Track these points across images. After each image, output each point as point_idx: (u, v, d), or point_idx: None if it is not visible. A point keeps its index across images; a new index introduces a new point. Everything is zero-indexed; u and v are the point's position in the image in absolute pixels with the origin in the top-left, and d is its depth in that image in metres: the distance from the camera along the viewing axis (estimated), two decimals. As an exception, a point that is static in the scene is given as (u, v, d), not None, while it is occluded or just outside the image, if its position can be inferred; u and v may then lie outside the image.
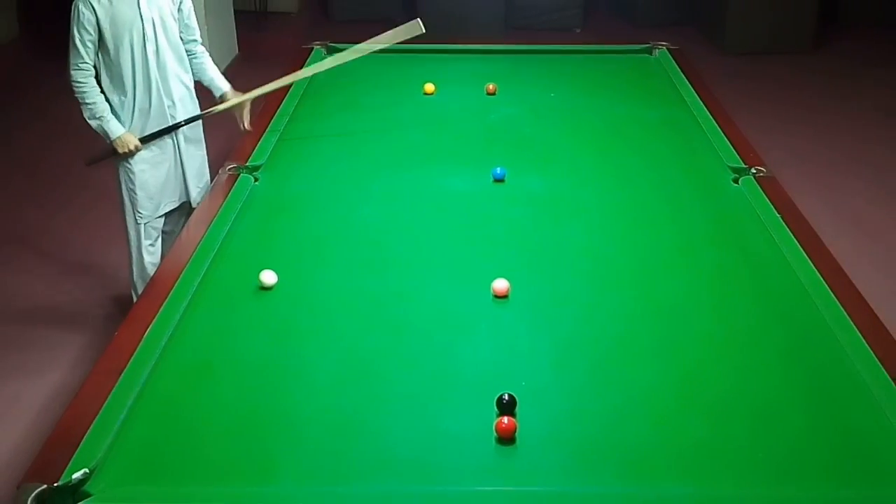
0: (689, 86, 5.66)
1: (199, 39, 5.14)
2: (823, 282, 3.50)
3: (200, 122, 5.13)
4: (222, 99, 5.15)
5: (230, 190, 4.25)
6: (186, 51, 5.02)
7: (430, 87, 5.67)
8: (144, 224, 4.96)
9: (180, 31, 4.93)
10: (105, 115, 4.68)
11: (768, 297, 3.53)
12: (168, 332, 3.23)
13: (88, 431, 2.70)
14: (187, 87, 5.02)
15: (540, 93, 5.77)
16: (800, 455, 2.72)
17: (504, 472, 2.67)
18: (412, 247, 3.96)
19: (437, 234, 4.08)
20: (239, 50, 10.01)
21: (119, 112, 4.76)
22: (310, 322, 3.37)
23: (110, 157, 4.80)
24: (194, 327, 3.32)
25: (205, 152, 5.25)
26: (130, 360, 3.03)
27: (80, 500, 2.46)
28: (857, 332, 3.19)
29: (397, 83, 5.87)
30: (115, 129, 4.71)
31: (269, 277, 3.31)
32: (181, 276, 3.55)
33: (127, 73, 4.70)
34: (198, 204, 4.79)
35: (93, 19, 4.51)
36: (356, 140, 5.04)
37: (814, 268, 3.60)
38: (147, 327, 3.22)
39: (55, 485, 2.48)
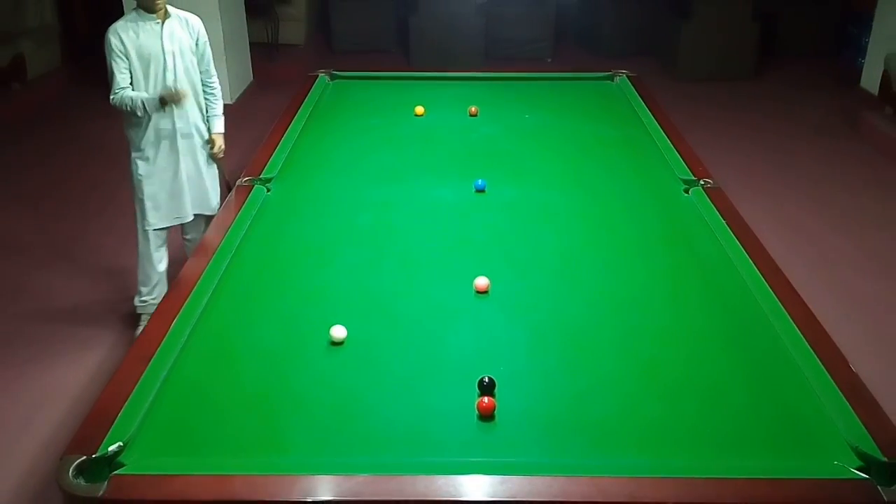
0: (646, 108, 5.68)
1: (213, 73, 4.99)
2: (763, 279, 3.52)
3: (207, 143, 4.98)
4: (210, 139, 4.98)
5: (245, 199, 4.25)
6: (202, 83, 4.93)
7: (420, 110, 5.66)
8: (151, 230, 4.88)
9: (199, 66, 4.87)
10: (143, 96, 4.57)
11: (715, 293, 3.53)
12: (192, 323, 3.23)
13: (122, 410, 2.71)
14: (200, 112, 4.90)
15: (516, 114, 5.77)
16: (742, 430, 2.74)
17: (484, 445, 2.68)
18: (404, 248, 3.96)
19: (426, 237, 4.08)
20: (253, 77, 9.99)
21: (136, 129, 4.71)
22: (315, 314, 3.36)
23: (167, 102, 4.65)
24: (215, 319, 3.32)
25: (216, 171, 5.10)
26: (159, 348, 3.04)
27: (115, 470, 2.47)
28: (792, 322, 3.21)
29: (392, 106, 5.85)
30: (153, 98, 4.58)
31: (339, 332, 3.23)
32: (203, 274, 3.54)
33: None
34: (215, 212, 4.75)
35: (122, 48, 4.51)
36: (355, 155, 5.03)
37: (754, 267, 3.61)
38: (173, 319, 3.22)
39: (93, 456, 2.50)
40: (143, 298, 5.05)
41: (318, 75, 6.31)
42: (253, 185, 4.39)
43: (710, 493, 2.42)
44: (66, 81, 9.92)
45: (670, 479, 2.45)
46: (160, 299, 3.69)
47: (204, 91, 4.94)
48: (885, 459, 2.50)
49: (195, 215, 4.99)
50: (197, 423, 2.77)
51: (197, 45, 4.81)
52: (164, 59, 4.62)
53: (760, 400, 2.87)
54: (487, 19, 10.89)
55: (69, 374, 4.78)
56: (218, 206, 4.94)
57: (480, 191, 4.50)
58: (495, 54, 11.00)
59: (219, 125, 4.99)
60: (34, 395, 4.65)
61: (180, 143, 4.77)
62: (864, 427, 2.64)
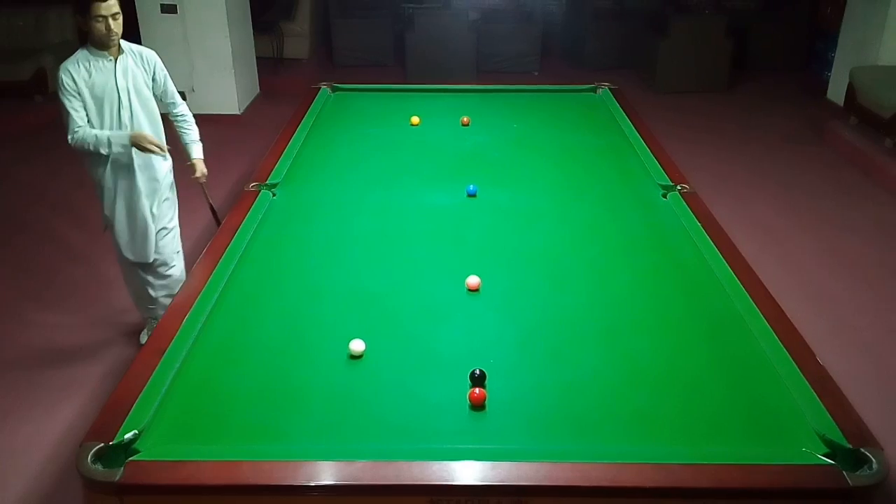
0: (627, 118, 5.68)
1: (179, 102, 4.66)
2: (736, 278, 3.52)
3: (173, 194, 4.76)
4: (190, 164, 4.71)
5: (253, 203, 4.24)
6: (170, 115, 4.65)
7: (415, 120, 5.66)
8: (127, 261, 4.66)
9: (160, 98, 4.54)
10: (108, 135, 4.21)
11: (692, 291, 3.53)
12: (202, 320, 3.22)
13: (137, 400, 2.71)
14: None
15: (505, 124, 5.76)
16: (717, 419, 2.74)
17: (476, 433, 2.68)
18: (400, 249, 3.95)
19: (421, 238, 4.07)
20: (260, 89, 9.98)
21: (97, 163, 4.36)
22: (317, 312, 3.35)
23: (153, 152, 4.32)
24: (223, 316, 3.31)
25: (177, 228, 4.84)
26: (171, 343, 3.03)
27: (131, 456, 2.47)
28: (764, 319, 3.21)
29: (389, 116, 5.85)
30: (122, 136, 4.23)
31: (357, 346, 3.21)
32: (213, 273, 3.54)
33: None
34: (172, 270, 4.78)
35: (75, 86, 4.15)
36: (355, 162, 5.02)
37: (728, 267, 3.61)
38: (185, 315, 3.21)
39: (110, 443, 2.50)
40: (148, 308, 4.91)
41: (320, 87, 6.31)
42: (259, 190, 4.38)
43: (687, 477, 2.42)
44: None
45: (650, 465, 2.45)
46: (166, 303, 3.66)
47: (175, 122, 4.69)
48: (850, 446, 2.51)
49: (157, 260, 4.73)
50: (207, 413, 2.76)
51: (154, 79, 4.46)
52: (119, 97, 4.27)
53: (734, 391, 2.87)
54: (479, 35, 10.91)
55: (86, 369, 4.77)
56: (179, 266, 4.86)
57: (472, 195, 4.49)
58: (486, 68, 11.01)
59: (197, 151, 4.72)
60: (55, 387, 4.64)
61: (140, 179, 4.44)
62: (830, 416, 2.65)
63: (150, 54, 4.45)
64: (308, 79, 9.24)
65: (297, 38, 11.12)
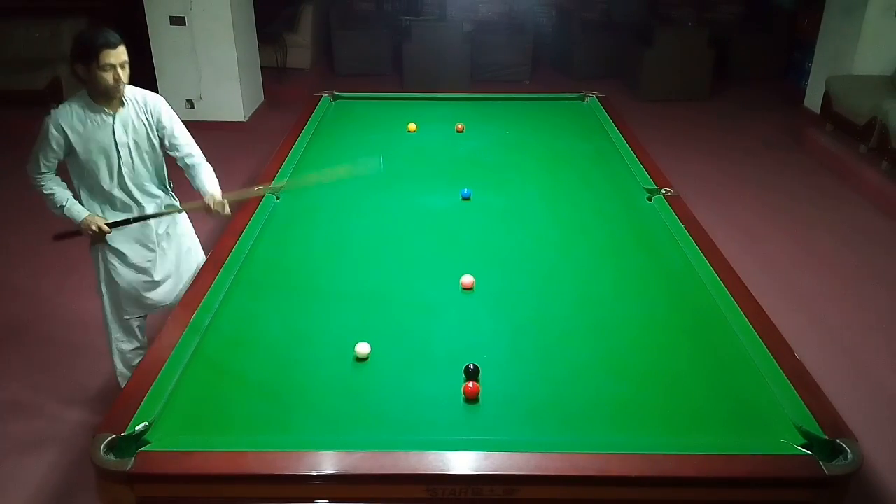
0: (614, 125, 5.68)
1: (193, 152, 3.94)
2: (717, 277, 3.52)
3: (192, 243, 4.25)
4: (204, 200, 3.87)
5: (258, 206, 4.23)
6: (183, 164, 3.96)
7: (412, 126, 5.65)
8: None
9: (169, 151, 3.91)
10: (65, 203, 3.71)
11: (676, 290, 3.54)
12: (209, 317, 3.22)
13: (148, 393, 2.71)
14: (162, 200, 3.96)
15: (498, 130, 5.76)
16: (700, 411, 2.75)
17: (470, 425, 2.68)
18: (397, 250, 3.95)
19: (417, 239, 4.07)
20: (264, 97, 9.96)
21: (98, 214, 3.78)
22: (318, 309, 3.35)
23: (77, 236, 3.81)
24: (230, 313, 3.31)
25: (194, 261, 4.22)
26: (180, 339, 3.03)
27: (141, 447, 2.47)
28: (744, 316, 3.22)
29: (387, 123, 5.84)
30: (77, 213, 3.72)
31: (363, 348, 3.06)
32: (220, 272, 3.53)
33: (103, 188, 3.77)
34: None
35: (62, 142, 3.61)
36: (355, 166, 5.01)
37: (710, 266, 3.62)
38: (193, 313, 3.21)
39: (122, 434, 2.50)
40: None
41: (321, 96, 6.30)
42: (264, 194, 4.37)
43: (672, 466, 2.43)
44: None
45: (637, 455, 2.45)
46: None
47: (186, 171, 3.97)
48: (826, 438, 2.52)
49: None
50: (214, 406, 2.76)
51: (158, 129, 3.82)
52: (119, 153, 3.71)
53: (716, 385, 2.88)
54: (473, 46, 10.91)
55: (97, 365, 4.77)
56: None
57: (466, 198, 4.49)
58: (479, 77, 11.01)
59: (211, 187, 3.89)
60: (69, 381, 4.64)
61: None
62: (807, 409, 2.66)
63: (154, 102, 3.82)
64: (310, 87, 9.20)
65: (300, 49, 11.10)
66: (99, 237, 3.82)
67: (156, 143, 3.85)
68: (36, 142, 3.68)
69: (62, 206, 3.73)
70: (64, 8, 10.18)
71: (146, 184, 3.89)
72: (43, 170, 3.71)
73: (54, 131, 3.61)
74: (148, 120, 3.79)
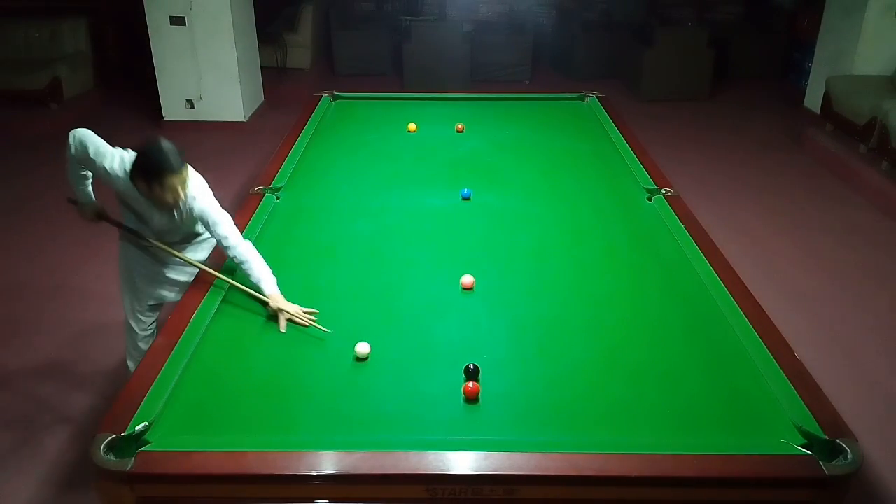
0: (614, 125, 5.68)
1: (232, 244, 3.46)
2: (717, 276, 3.53)
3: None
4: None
5: (257, 206, 4.24)
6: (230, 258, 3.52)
7: (412, 126, 5.65)
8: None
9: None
10: (77, 185, 3.74)
11: (674, 289, 3.54)
12: (209, 316, 3.23)
13: (148, 393, 2.71)
14: (199, 241, 3.88)
15: (497, 131, 5.76)
16: (699, 411, 2.74)
17: (470, 424, 2.68)
18: (397, 249, 3.95)
19: (417, 239, 4.07)
20: (264, 97, 9.96)
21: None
22: (319, 308, 3.35)
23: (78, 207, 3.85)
24: (230, 312, 3.32)
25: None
26: (180, 338, 3.03)
27: (141, 447, 2.48)
28: (743, 315, 3.22)
29: (387, 123, 5.84)
30: (83, 196, 3.78)
31: (363, 348, 3.03)
32: (220, 272, 3.53)
33: (139, 223, 3.69)
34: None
35: (107, 176, 3.50)
36: (355, 167, 5.01)
37: (710, 266, 3.62)
38: (193, 312, 3.22)
39: (122, 434, 2.50)
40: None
41: (321, 96, 6.30)
42: (264, 193, 4.38)
43: (670, 466, 2.43)
44: (98, 102, 9.88)
45: (635, 455, 2.46)
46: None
47: (238, 267, 3.50)
48: (826, 437, 2.51)
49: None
50: (214, 406, 2.76)
51: (198, 224, 3.72)
52: (153, 221, 3.61)
53: (715, 384, 2.88)
54: (472, 46, 10.91)
55: (99, 366, 4.77)
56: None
57: (466, 198, 4.49)
58: (479, 77, 11.01)
59: (268, 286, 3.36)
60: (69, 381, 4.64)
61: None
62: (807, 408, 2.66)
63: (200, 210, 3.52)
64: (310, 87, 9.23)
65: (300, 49, 11.10)
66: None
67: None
68: (97, 139, 3.56)
69: (73, 183, 3.74)
70: (64, 8, 10.20)
71: (177, 242, 3.80)
72: (81, 165, 3.63)
73: (107, 165, 3.49)
74: (188, 220, 3.64)
